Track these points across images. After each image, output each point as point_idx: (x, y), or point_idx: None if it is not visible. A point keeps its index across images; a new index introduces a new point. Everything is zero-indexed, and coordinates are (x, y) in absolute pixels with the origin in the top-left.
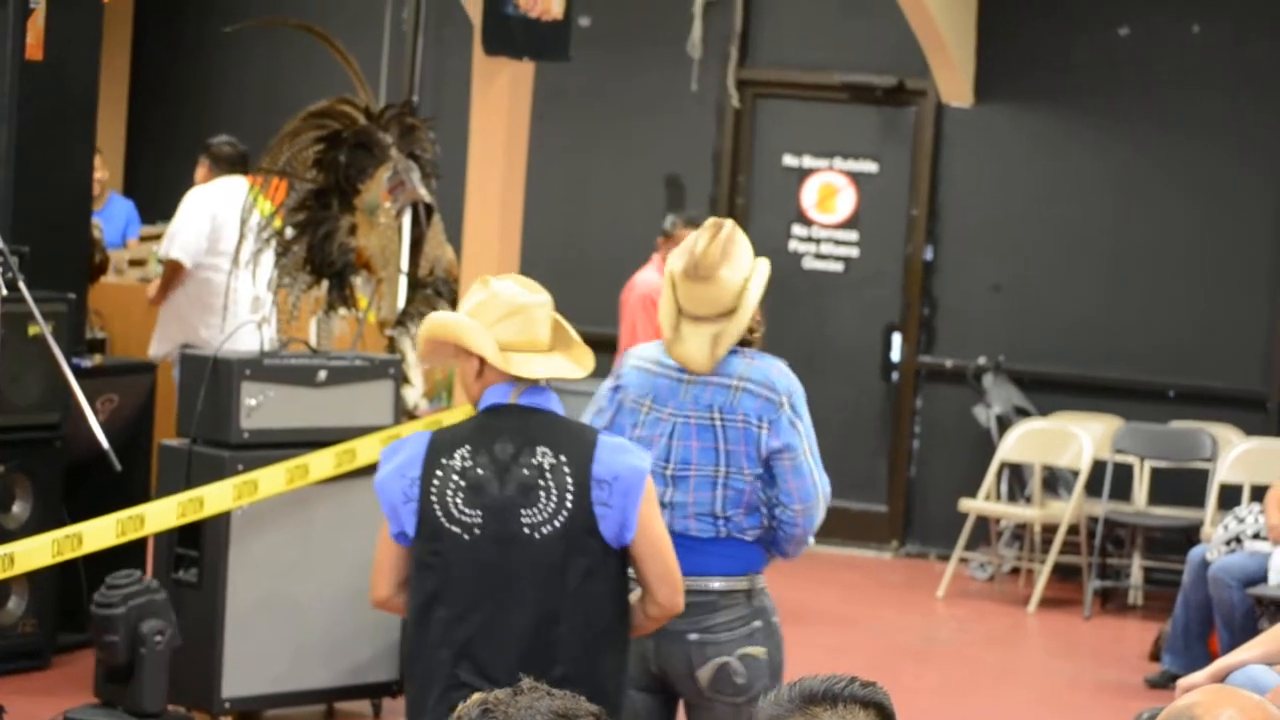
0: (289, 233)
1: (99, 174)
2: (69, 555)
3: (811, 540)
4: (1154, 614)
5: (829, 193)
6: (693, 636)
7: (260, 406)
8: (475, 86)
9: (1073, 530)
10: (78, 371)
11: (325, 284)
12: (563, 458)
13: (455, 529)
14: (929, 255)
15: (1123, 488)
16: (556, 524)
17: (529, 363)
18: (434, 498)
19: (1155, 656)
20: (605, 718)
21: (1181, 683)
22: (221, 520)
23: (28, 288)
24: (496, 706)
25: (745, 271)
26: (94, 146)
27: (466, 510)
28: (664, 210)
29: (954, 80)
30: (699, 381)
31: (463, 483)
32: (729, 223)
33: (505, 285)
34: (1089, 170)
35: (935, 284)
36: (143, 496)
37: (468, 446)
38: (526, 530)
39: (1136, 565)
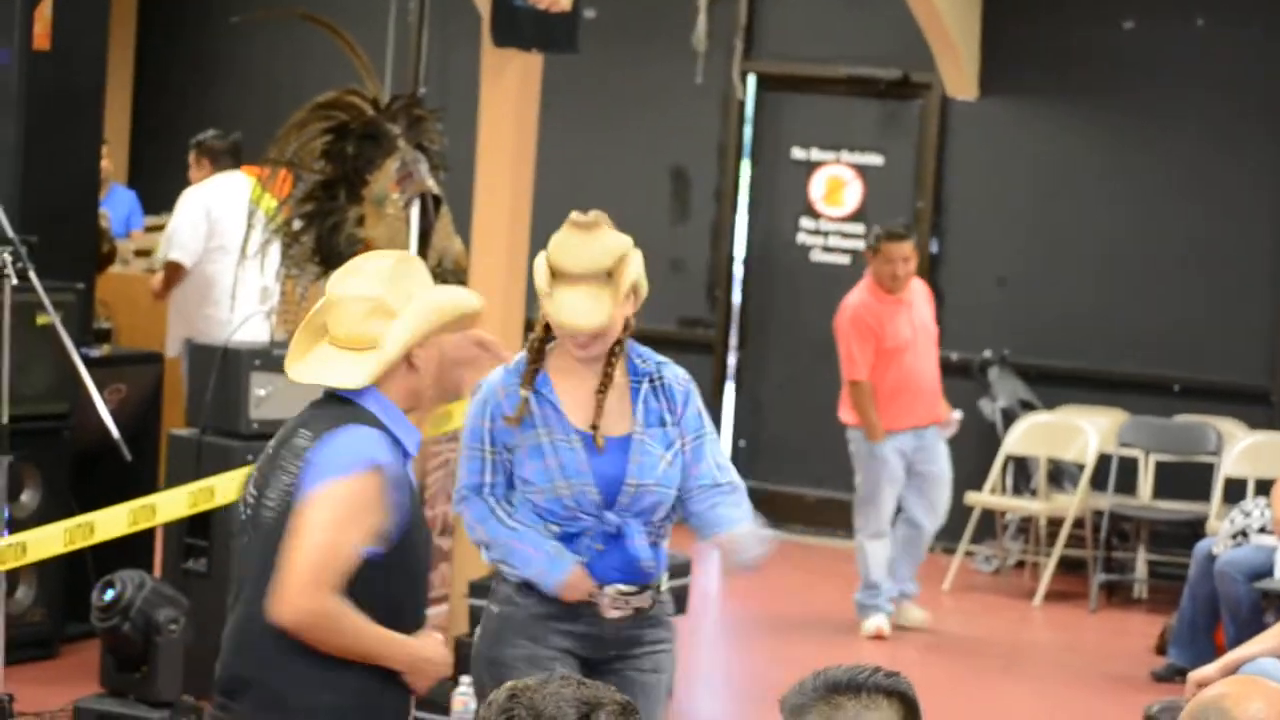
0: (296, 224)
1: (103, 163)
2: (81, 544)
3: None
4: (1159, 607)
5: (836, 185)
6: None
7: (270, 397)
8: (484, 78)
9: (1078, 524)
10: (86, 361)
11: (332, 276)
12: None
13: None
14: (934, 249)
15: (1128, 481)
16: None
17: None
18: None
19: (1161, 650)
20: (633, 707)
21: (1193, 676)
22: (232, 510)
23: (36, 277)
24: (523, 693)
25: (625, 244)
26: (101, 136)
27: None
28: (670, 202)
29: (959, 74)
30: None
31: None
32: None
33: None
34: (1094, 163)
35: (940, 277)
36: (150, 487)
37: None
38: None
39: (1141, 559)
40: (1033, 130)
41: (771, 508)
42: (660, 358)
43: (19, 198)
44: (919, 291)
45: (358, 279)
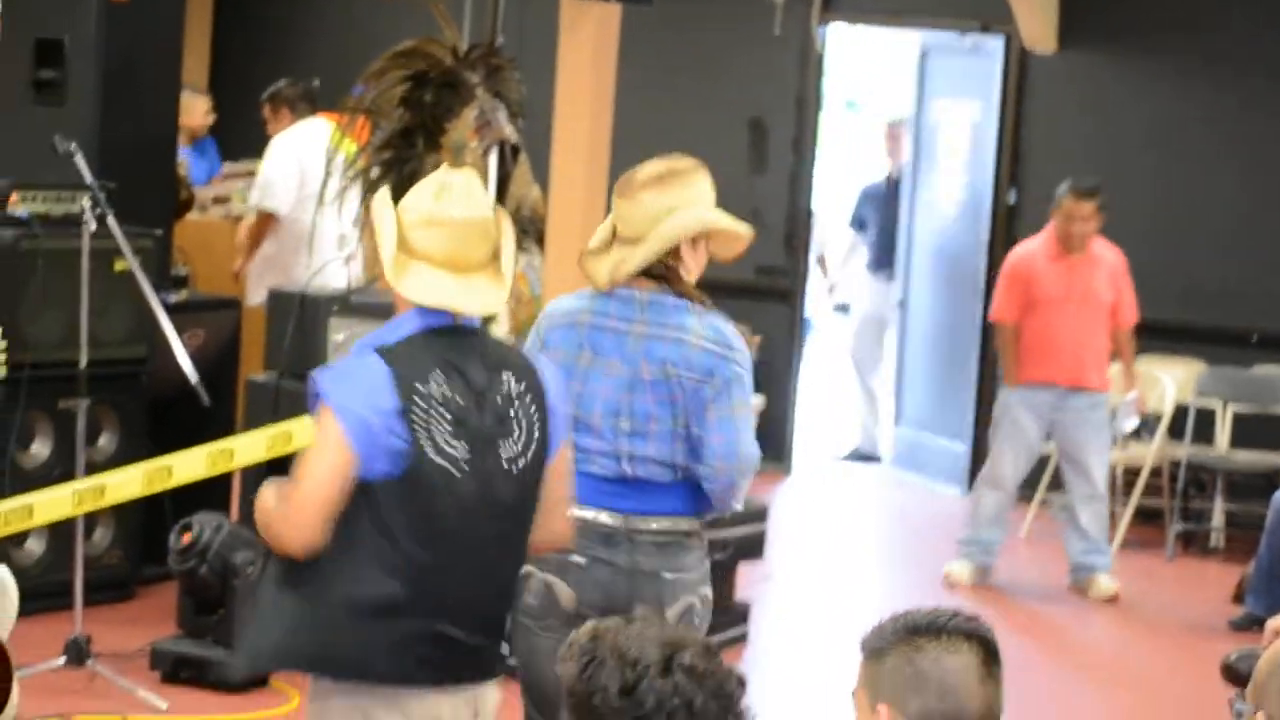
0: (374, 171)
1: (209, 118)
2: (159, 487)
3: (736, 504)
4: (1236, 557)
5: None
6: (668, 575)
7: (347, 342)
8: (563, 28)
9: (1155, 473)
10: (164, 307)
11: None
12: (523, 385)
13: (444, 463)
14: (1012, 199)
15: (1205, 432)
16: (529, 457)
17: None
18: (420, 430)
19: (1238, 599)
20: (715, 649)
21: (1271, 624)
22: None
23: (115, 223)
24: (605, 635)
25: (671, 204)
26: (179, 84)
27: (453, 443)
28: (747, 154)
29: (1037, 26)
30: (649, 336)
31: (446, 414)
32: (691, 161)
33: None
34: (1174, 114)
35: (1018, 229)
36: (227, 432)
37: (439, 372)
38: (505, 464)
39: (1218, 509)
40: (1111, 82)
41: None
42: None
43: (98, 144)
44: (1105, 260)
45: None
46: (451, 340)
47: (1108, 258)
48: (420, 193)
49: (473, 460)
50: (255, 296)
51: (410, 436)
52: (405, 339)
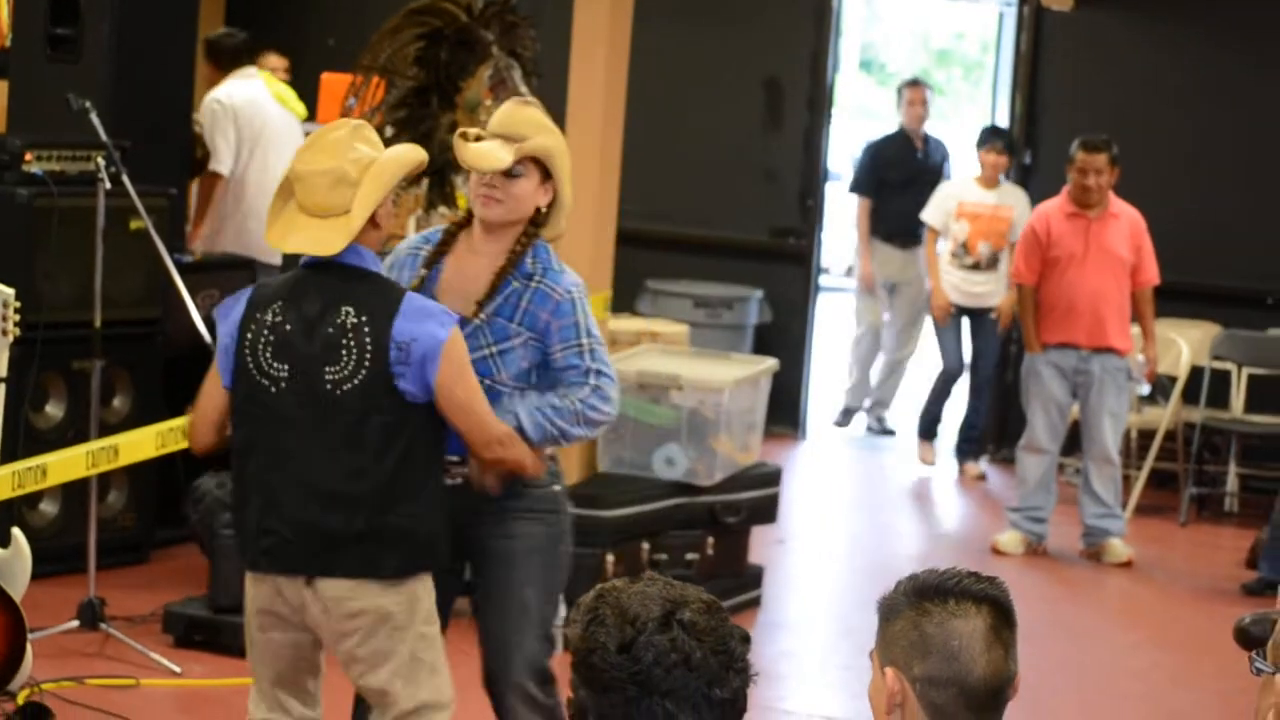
0: (389, 130)
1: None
2: (173, 448)
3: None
4: (1250, 521)
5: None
6: None
7: None
8: None
9: (1169, 437)
10: (179, 266)
11: (425, 182)
12: (364, 318)
13: (265, 381)
14: (1027, 159)
15: (1220, 395)
16: (356, 382)
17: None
18: (248, 350)
19: (1251, 564)
20: (718, 605)
21: None
22: None
23: (130, 182)
24: (610, 593)
25: (553, 135)
26: (195, 42)
27: (275, 364)
28: (763, 112)
29: None
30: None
31: (272, 337)
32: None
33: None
34: (1189, 74)
35: (1032, 189)
36: None
37: (280, 303)
38: (329, 386)
39: (1233, 472)
40: (1127, 40)
41: None
42: (559, 267)
43: (113, 103)
44: (1124, 218)
45: (318, 154)
46: (310, 277)
47: (1127, 216)
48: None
49: (291, 380)
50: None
51: (239, 357)
52: (289, 275)
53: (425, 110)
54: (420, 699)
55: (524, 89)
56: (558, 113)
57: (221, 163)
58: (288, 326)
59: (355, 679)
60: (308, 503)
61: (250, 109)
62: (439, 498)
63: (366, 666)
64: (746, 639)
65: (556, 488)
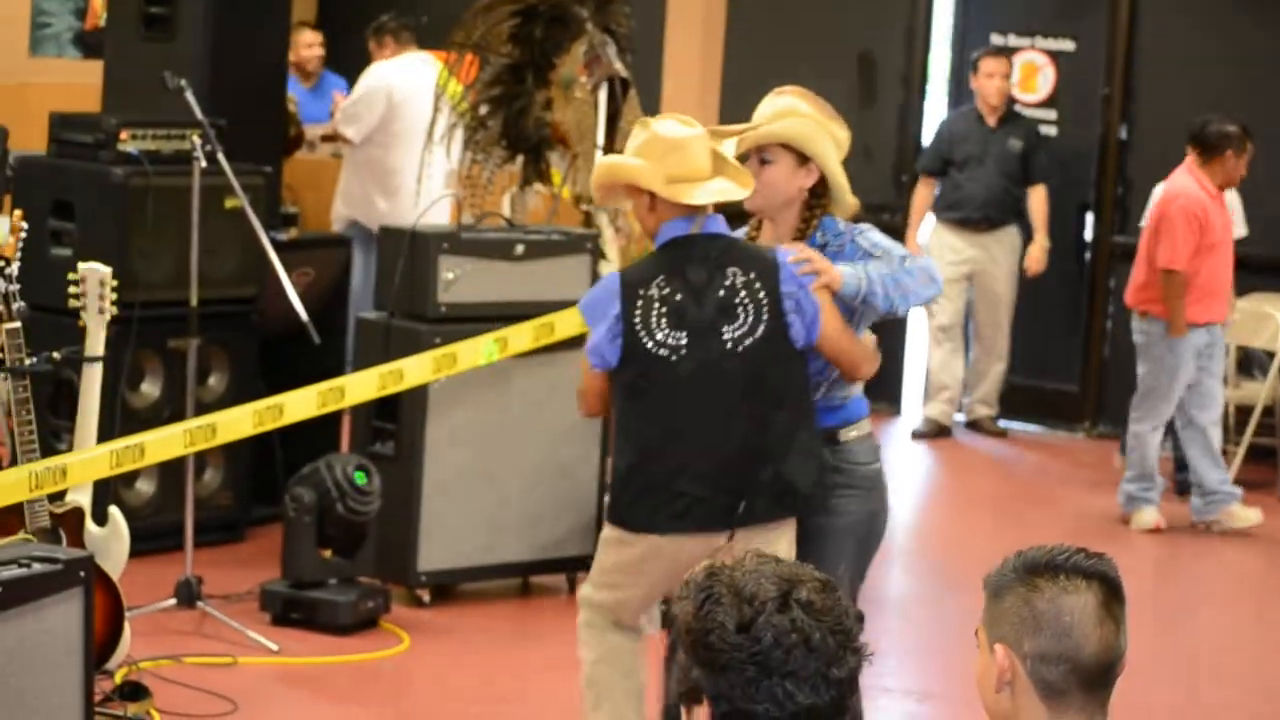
0: (483, 109)
1: (318, 51)
2: (270, 426)
3: None
4: None
5: (1030, 71)
6: None
7: (457, 280)
8: None
9: (1268, 412)
10: (274, 245)
11: (520, 159)
12: (752, 274)
13: (663, 352)
14: (1124, 134)
15: None
16: (757, 335)
17: (695, 190)
18: (639, 327)
19: None
20: (832, 584)
21: None
22: (419, 393)
23: (225, 160)
24: (722, 571)
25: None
26: (289, 20)
27: (673, 333)
28: (858, 89)
29: None
30: None
31: (664, 309)
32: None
33: (664, 124)
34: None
35: (1129, 163)
36: (337, 371)
37: (661, 276)
38: (729, 345)
39: None
40: (1225, 12)
41: None
42: (844, 229)
43: (208, 81)
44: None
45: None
46: (682, 249)
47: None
48: (637, 139)
49: (691, 345)
50: (335, 228)
51: (628, 336)
52: (650, 256)
53: (520, 88)
54: None
55: (619, 65)
56: (652, 90)
57: (356, 129)
58: (678, 296)
59: None
60: (720, 459)
61: (406, 90)
62: (819, 441)
63: None
64: (861, 618)
65: (877, 465)
